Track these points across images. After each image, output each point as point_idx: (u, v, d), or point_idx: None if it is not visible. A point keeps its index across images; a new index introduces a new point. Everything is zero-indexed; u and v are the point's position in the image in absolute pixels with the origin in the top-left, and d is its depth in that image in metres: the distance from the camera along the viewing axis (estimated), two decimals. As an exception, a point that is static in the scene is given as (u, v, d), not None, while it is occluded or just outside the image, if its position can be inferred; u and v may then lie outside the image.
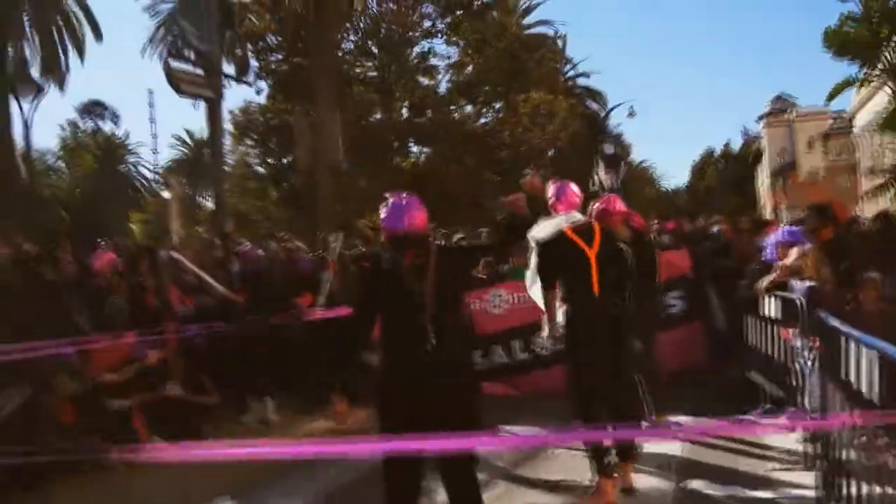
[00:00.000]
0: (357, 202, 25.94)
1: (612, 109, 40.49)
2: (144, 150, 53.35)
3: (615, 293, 5.01)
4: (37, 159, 41.08)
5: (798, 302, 5.83)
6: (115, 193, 47.01)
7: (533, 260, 5.26)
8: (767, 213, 63.92)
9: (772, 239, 7.22)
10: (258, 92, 26.58)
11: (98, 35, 26.28)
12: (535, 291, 5.28)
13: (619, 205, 6.06)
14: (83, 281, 8.13)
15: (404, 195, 3.86)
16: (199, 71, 11.26)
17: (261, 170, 29.79)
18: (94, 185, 46.50)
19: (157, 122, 41.05)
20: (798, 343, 5.91)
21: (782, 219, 58.08)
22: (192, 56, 11.36)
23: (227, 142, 28.11)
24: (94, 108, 54.60)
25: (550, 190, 5.34)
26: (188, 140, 51.65)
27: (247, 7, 24.61)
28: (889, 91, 20.95)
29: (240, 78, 14.38)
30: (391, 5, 25.25)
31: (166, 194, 37.76)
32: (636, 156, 50.67)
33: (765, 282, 6.65)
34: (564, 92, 34.97)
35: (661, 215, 13.61)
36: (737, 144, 70.82)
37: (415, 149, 27.75)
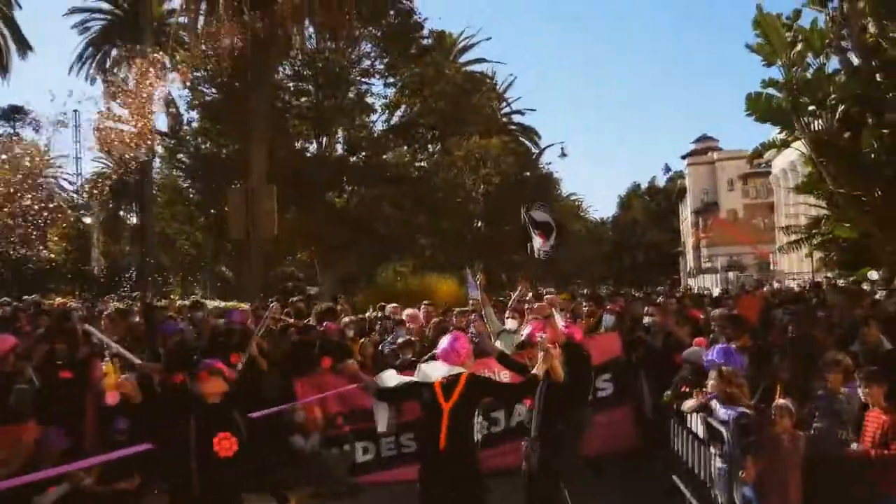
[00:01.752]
0: (288, 241, 25.81)
1: (544, 149, 41.46)
2: (66, 163, 51.26)
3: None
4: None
5: (725, 430, 6.12)
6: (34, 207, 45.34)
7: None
8: (689, 248, 66.21)
9: (707, 354, 7.39)
10: (188, 123, 26.17)
11: (25, 48, 25.48)
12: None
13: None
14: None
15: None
16: (131, 130, 11.03)
17: (191, 195, 29.17)
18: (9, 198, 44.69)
19: (81, 141, 39.56)
20: (721, 465, 6.21)
21: (702, 256, 59.46)
22: (124, 114, 11.08)
23: (156, 162, 27.56)
24: (13, 115, 52.67)
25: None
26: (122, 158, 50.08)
27: (181, 38, 24.28)
28: (804, 153, 21.96)
29: (174, 135, 14.09)
30: (330, 43, 25.19)
31: (88, 219, 36.73)
32: (566, 189, 51.65)
33: (690, 403, 6.87)
34: (500, 129, 35.57)
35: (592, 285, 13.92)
36: (661, 181, 73.30)
37: (348, 187, 27.69)
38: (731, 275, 44.68)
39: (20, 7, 27.27)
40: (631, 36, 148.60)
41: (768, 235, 46.99)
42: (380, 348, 9.59)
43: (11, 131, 51.49)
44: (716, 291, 27.50)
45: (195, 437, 4.81)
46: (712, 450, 6.52)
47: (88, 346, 8.47)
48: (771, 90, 20.41)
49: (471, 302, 14.73)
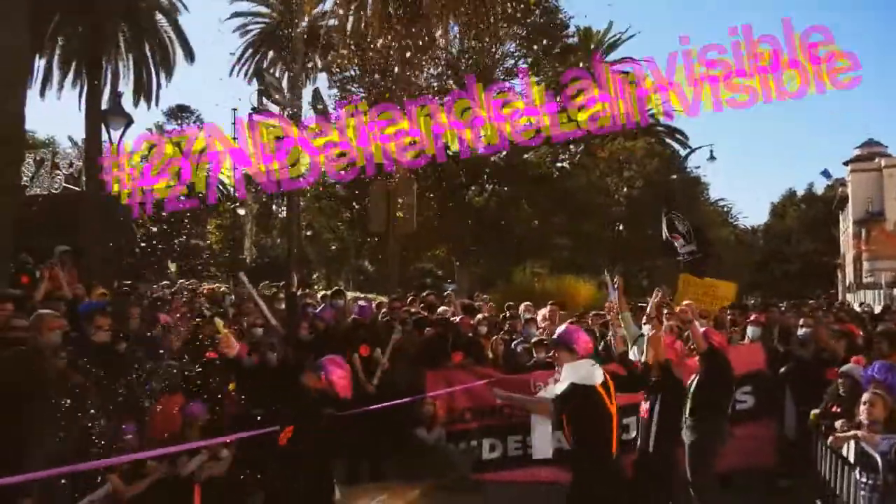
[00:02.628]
0: (427, 237, 26.21)
1: (691, 152, 39.88)
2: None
3: None
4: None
5: (880, 458, 5.61)
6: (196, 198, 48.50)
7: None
8: (849, 261, 61.84)
9: (862, 372, 6.84)
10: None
11: (190, 57, 27.28)
12: None
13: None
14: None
15: None
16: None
17: (336, 190, 30.21)
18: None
19: (239, 139, 41.94)
20: (870, 494, 5.70)
21: (863, 270, 55.59)
22: (275, 110, 11.58)
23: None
24: (180, 113, 56.72)
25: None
26: (268, 150, 52.68)
27: (331, 42, 25.20)
28: None
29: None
30: (474, 42, 25.35)
31: (241, 211, 38.88)
32: (714, 194, 49.69)
33: (844, 431, 6.33)
34: (645, 131, 34.58)
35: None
36: (820, 188, 68.87)
37: (488, 185, 27.78)
38: (895, 291, 41.44)
39: (188, 10, 29.10)
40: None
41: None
42: (512, 346, 9.50)
43: (178, 128, 55.76)
44: (877, 308, 25.44)
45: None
46: (861, 477, 5.97)
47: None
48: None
49: (607, 305, 14.40)
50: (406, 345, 9.07)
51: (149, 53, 26.36)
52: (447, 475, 8.45)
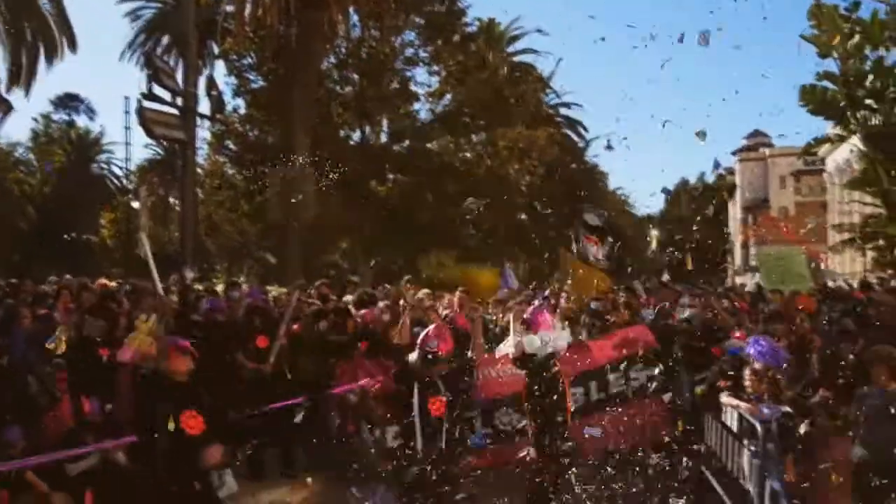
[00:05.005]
0: (330, 228, 25.94)
1: (591, 141, 40.99)
2: (118, 149, 52.39)
3: None
4: (5, 151, 40.47)
5: (760, 427, 5.92)
6: (86, 191, 46.38)
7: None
8: (737, 246, 64.94)
9: (749, 347, 7.18)
10: (235, 109, 26.42)
11: (73, 45, 25.91)
12: None
13: None
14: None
15: None
16: (173, 112, 11.12)
17: (236, 181, 29.47)
18: (65, 182, 45.85)
19: (133, 128, 40.37)
20: (754, 461, 6.01)
21: (751, 254, 58.16)
22: (168, 97, 11.18)
23: (203, 149, 27.94)
24: (69, 102, 53.99)
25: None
26: (163, 141, 50.81)
27: (229, 27, 24.50)
28: (859, 149, 21.25)
29: (214, 118, 14.20)
30: (374, 31, 25.17)
31: (135, 204, 37.31)
32: (613, 183, 51.18)
33: (732, 401, 6.64)
34: (546, 121, 35.22)
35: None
36: (711, 177, 71.82)
37: (391, 176, 27.69)
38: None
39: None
40: (681, 28, 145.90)
41: (820, 234, 45.82)
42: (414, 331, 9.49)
43: (67, 118, 53.21)
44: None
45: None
46: (745, 444, 6.32)
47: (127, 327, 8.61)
48: (826, 83, 19.84)
49: (504, 292, 14.63)
50: (307, 335, 8.94)
51: (29, 37, 24.88)
52: (354, 465, 8.43)
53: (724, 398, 6.76)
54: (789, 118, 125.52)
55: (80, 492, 6.26)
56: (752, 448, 6.10)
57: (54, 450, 6.23)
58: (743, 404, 6.34)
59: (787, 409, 5.99)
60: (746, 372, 6.42)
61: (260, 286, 11.59)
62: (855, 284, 16.29)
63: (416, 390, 6.12)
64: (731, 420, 6.71)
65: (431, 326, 6.47)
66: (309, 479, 8.12)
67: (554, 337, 6.12)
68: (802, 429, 5.80)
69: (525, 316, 6.47)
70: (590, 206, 12.58)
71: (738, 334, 7.95)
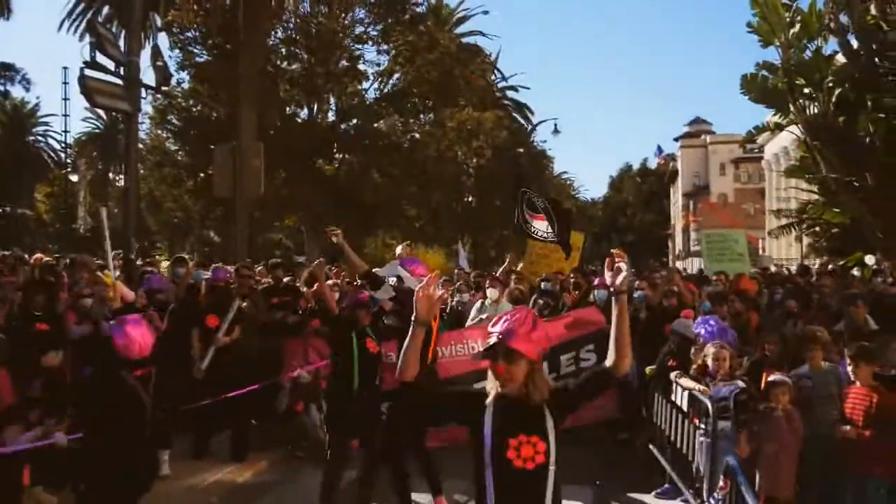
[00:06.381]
0: (276, 207, 25.55)
1: (537, 125, 41.22)
2: (55, 122, 50.76)
3: None
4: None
5: (710, 404, 6.06)
6: (22, 164, 44.90)
7: None
8: (678, 231, 66.30)
9: (697, 326, 7.33)
10: (179, 83, 25.76)
11: (6, 11, 24.89)
12: None
13: None
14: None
15: None
16: (117, 81, 10.75)
17: (179, 157, 28.79)
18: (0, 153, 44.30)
19: (71, 99, 39.16)
20: (704, 439, 6.15)
21: (691, 239, 59.34)
22: (111, 66, 10.79)
23: (145, 123, 27.23)
24: (3, 71, 51.95)
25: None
26: (102, 115, 49.49)
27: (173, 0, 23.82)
28: (798, 137, 21.79)
29: (160, 89, 13.78)
30: (323, 7, 24.73)
31: (74, 177, 36.32)
32: (558, 168, 51.61)
33: (687, 382, 6.76)
34: (493, 104, 35.28)
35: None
36: (653, 162, 73.09)
37: (338, 155, 27.39)
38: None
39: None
40: (626, 14, 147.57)
41: (758, 220, 47.08)
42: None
43: (2, 88, 51.29)
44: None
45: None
46: (696, 422, 6.47)
47: (66, 300, 8.37)
48: (766, 72, 20.24)
49: (456, 272, 14.71)
50: (253, 314, 8.80)
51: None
52: (302, 443, 8.39)
53: (679, 378, 6.89)
54: (730, 107, 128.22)
55: (18, 467, 6.12)
56: (703, 426, 6.25)
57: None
58: (696, 384, 6.48)
59: (742, 384, 6.15)
60: (709, 351, 6.55)
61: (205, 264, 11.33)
62: (793, 269, 16.84)
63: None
64: (681, 398, 6.86)
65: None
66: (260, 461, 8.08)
67: None
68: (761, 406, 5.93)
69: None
70: (532, 192, 12.64)
71: (685, 312, 8.11)
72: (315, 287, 7.40)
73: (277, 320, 8.97)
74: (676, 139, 66.80)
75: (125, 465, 4.75)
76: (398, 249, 8.88)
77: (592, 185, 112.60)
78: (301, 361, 8.53)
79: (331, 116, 27.46)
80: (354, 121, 26.87)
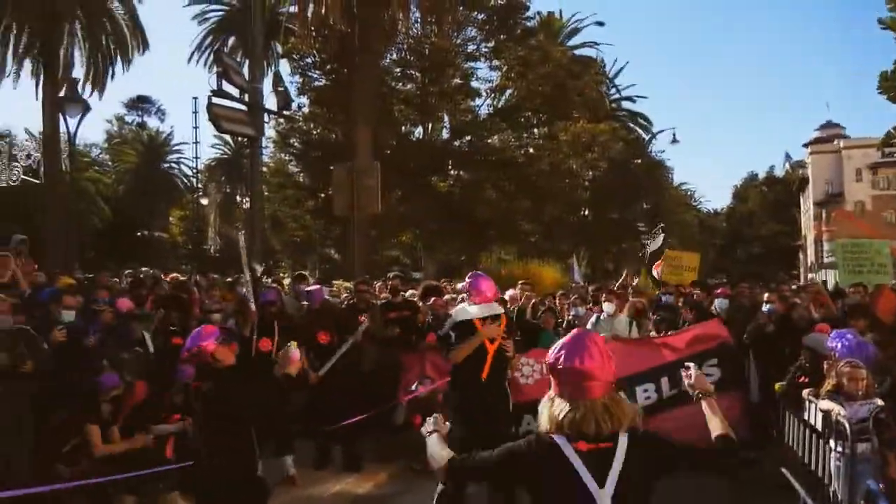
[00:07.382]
0: (392, 224, 26.08)
1: (655, 135, 40.27)
2: (186, 149, 53.97)
3: None
4: (81, 153, 41.95)
5: (847, 424, 5.67)
6: (157, 190, 47.93)
7: None
8: (810, 242, 62.92)
9: (831, 340, 6.86)
10: (300, 107, 26.83)
11: (144, 45, 26.73)
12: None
13: None
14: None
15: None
16: (242, 108, 11.31)
17: (300, 179, 29.98)
18: (137, 181, 47.48)
19: (201, 127, 41.50)
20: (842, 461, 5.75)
21: (824, 251, 56.28)
22: (236, 93, 11.37)
23: (268, 147, 28.52)
24: (140, 104, 55.84)
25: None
26: (230, 140, 52.21)
27: (292, 27, 24.86)
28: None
29: (281, 113, 14.39)
30: (434, 27, 25.21)
31: (204, 201, 38.40)
32: (677, 178, 50.13)
33: (816, 400, 6.34)
34: (608, 115, 34.75)
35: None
36: (781, 170, 69.86)
37: (452, 171, 27.73)
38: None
39: (140, 2, 28.27)
40: (749, 17, 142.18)
41: (898, 228, 44.16)
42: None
43: (139, 119, 55.12)
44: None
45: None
46: (831, 444, 6.04)
47: (200, 316, 8.79)
48: (906, 69, 19.00)
49: (573, 285, 14.54)
50: (374, 328, 8.96)
51: (104, 41, 25.78)
52: (419, 456, 8.42)
53: (812, 397, 6.47)
54: (864, 109, 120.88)
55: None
56: (840, 449, 5.83)
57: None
58: (835, 406, 6.04)
59: (880, 402, 5.71)
60: (845, 369, 6.11)
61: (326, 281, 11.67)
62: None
63: None
64: (815, 418, 6.43)
65: None
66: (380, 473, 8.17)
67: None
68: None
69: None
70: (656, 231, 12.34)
71: (820, 326, 7.61)
72: None
73: (395, 335, 9.09)
74: (806, 145, 63.50)
75: (248, 475, 4.87)
76: None
77: (715, 195, 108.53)
78: (418, 376, 8.59)
79: (444, 134, 27.88)
80: (468, 137, 27.14)
